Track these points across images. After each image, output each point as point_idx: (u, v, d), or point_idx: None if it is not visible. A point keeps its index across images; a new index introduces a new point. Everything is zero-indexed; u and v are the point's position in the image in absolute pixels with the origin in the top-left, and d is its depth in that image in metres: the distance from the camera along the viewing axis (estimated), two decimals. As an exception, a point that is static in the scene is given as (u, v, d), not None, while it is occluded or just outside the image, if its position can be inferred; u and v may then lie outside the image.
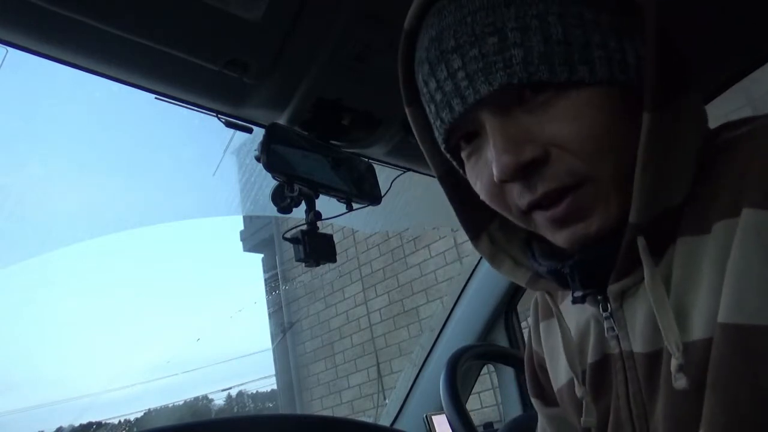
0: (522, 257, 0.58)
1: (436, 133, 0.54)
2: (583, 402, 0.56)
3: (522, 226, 0.53)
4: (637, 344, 0.50)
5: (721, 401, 0.40)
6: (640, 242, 0.45)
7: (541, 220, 0.49)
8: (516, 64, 0.45)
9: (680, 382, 0.43)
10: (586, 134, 0.45)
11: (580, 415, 0.56)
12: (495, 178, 0.47)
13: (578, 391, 0.56)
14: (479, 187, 0.52)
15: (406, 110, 0.58)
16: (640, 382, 0.50)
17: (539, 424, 0.71)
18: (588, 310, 0.55)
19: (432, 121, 0.53)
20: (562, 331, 0.58)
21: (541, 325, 0.67)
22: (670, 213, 0.46)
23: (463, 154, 0.53)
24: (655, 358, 0.48)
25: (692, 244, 0.45)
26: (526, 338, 0.72)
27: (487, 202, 0.52)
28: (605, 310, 0.51)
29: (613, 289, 0.50)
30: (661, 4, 0.46)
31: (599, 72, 0.45)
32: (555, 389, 0.64)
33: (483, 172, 0.50)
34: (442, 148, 0.55)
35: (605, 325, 0.52)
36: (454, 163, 0.57)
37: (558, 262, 0.51)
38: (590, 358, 0.56)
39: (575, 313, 0.59)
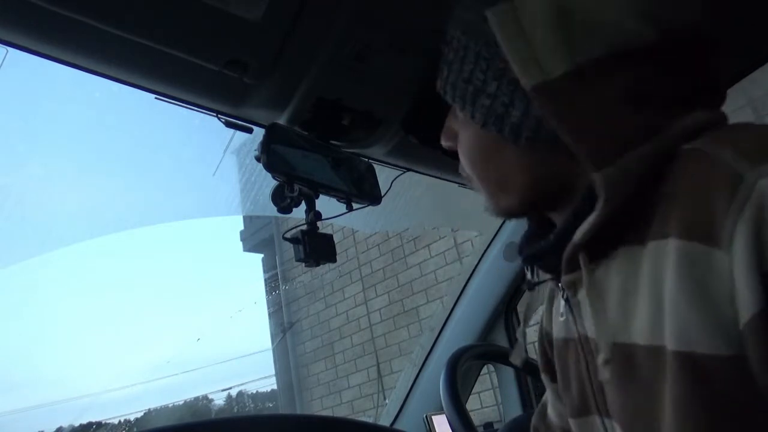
0: None
1: None
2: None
3: None
4: (591, 330, 0.53)
5: (680, 418, 0.43)
6: (582, 258, 0.50)
7: None
8: (441, 78, 0.58)
9: (604, 375, 0.49)
10: (463, 150, 0.60)
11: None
12: None
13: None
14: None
15: None
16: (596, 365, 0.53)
17: (547, 396, 0.75)
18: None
19: None
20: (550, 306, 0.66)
21: (554, 303, 0.72)
22: (612, 224, 0.48)
23: None
24: None
25: (631, 253, 0.48)
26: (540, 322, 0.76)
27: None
28: (564, 297, 0.56)
29: (565, 279, 0.54)
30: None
31: (476, 117, 0.55)
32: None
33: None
34: None
35: (563, 309, 0.57)
36: None
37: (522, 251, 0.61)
38: (555, 334, 0.63)
39: None
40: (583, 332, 0.55)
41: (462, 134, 0.60)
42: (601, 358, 0.49)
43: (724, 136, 0.45)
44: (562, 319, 0.59)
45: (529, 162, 0.54)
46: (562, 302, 0.58)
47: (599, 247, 0.49)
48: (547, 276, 0.59)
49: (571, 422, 0.61)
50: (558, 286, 0.57)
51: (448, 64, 0.57)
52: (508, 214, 0.60)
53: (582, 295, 0.54)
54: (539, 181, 0.55)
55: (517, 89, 0.51)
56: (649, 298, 0.45)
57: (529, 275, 0.62)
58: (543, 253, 0.56)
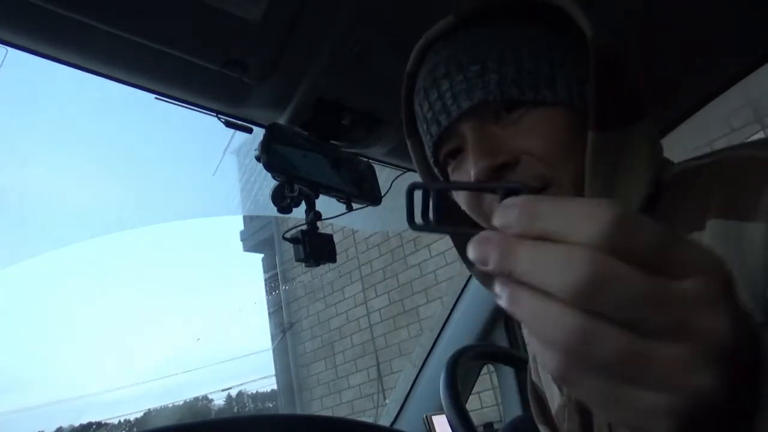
0: None
1: (427, 150, 0.61)
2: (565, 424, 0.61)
3: None
4: None
5: None
6: None
7: None
8: (492, 84, 0.54)
9: None
10: (549, 143, 0.53)
11: None
12: (472, 178, 0.54)
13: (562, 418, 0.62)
14: (460, 198, 0.59)
15: (407, 141, 0.66)
16: None
17: None
18: None
19: (423, 138, 0.61)
20: None
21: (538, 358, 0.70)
22: None
23: (449, 169, 0.59)
24: None
25: None
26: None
27: (467, 212, 0.59)
28: None
29: None
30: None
31: (560, 94, 0.53)
32: (552, 414, 0.68)
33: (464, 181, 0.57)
34: (431, 163, 0.62)
35: None
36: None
37: None
38: None
39: None
40: None
41: (539, 126, 0.53)
42: None
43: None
44: None
45: None
46: None
47: None
48: None
49: None
50: None
51: (494, 71, 0.53)
52: None
53: None
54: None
55: (583, 77, 0.54)
56: None
57: None
58: None
